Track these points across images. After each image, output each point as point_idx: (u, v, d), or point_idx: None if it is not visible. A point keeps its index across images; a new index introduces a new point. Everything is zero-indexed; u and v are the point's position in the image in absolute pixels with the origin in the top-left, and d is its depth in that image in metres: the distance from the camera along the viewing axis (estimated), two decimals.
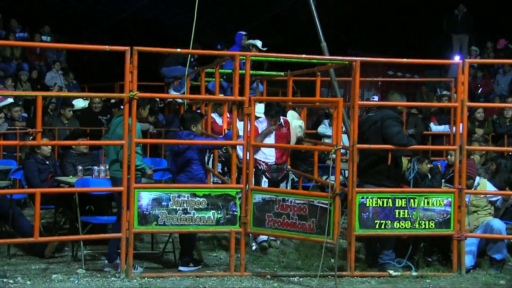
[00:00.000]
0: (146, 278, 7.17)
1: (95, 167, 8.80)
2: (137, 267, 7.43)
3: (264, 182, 8.52)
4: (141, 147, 7.75)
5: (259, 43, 12.19)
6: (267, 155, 8.65)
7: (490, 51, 17.99)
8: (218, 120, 10.23)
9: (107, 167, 8.57)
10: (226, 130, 8.63)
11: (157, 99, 14.24)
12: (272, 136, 8.70)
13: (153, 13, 18.20)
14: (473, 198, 8.11)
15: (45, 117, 12.47)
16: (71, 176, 9.02)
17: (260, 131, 8.59)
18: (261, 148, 8.54)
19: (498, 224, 7.90)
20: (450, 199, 7.67)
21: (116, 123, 7.64)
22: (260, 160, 8.55)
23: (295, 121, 8.98)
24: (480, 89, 17.06)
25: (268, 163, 8.65)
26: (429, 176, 8.80)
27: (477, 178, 8.23)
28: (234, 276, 7.39)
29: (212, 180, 9.53)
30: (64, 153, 10.09)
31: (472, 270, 7.83)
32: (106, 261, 7.58)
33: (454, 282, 7.39)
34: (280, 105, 8.83)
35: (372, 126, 7.77)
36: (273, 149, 8.67)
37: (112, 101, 13.83)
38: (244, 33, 12.83)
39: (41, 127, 7.16)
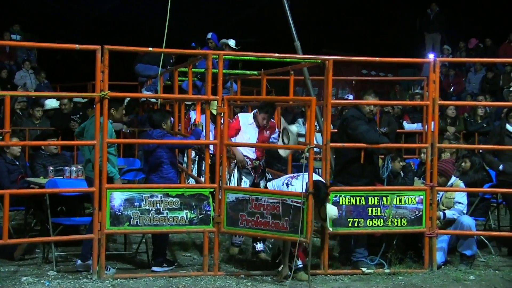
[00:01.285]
0: (118, 279, 7.12)
1: (67, 168, 8.72)
2: (109, 268, 7.38)
3: (245, 182, 8.47)
4: (115, 148, 7.70)
5: (232, 42, 12.18)
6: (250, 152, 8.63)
7: (462, 50, 18.17)
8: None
9: (79, 167, 8.52)
10: (193, 127, 8.60)
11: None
12: (254, 138, 8.65)
13: (127, 12, 18.12)
14: (444, 199, 8.18)
15: (13, 117, 12.35)
16: (41, 177, 8.93)
17: (241, 124, 8.48)
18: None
19: (468, 220, 7.99)
20: (422, 197, 7.74)
21: (90, 123, 7.59)
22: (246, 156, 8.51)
23: (293, 127, 8.67)
24: (452, 87, 17.23)
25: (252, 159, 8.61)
26: (402, 174, 8.87)
27: (453, 178, 8.30)
28: (208, 276, 7.37)
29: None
30: (35, 154, 10.00)
31: (443, 266, 7.91)
32: (79, 261, 7.52)
33: (426, 279, 7.46)
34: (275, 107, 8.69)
35: (340, 125, 7.88)
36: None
37: (84, 100, 13.73)
38: (209, 35, 12.79)
39: (11, 128, 7.08)
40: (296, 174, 7.55)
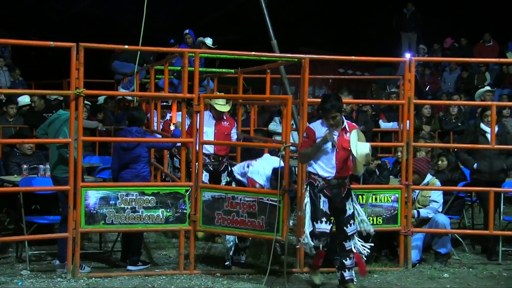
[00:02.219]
0: (93, 278, 7.08)
1: (41, 166, 8.63)
2: (84, 267, 7.33)
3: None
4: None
5: (208, 40, 12.16)
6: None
7: (438, 50, 18.30)
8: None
9: None
10: (173, 127, 8.59)
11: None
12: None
13: (103, 9, 17.98)
14: (420, 197, 8.23)
15: None
16: (15, 175, 8.83)
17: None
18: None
19: (442, 219, 8.06)
20: (397, 195, 7.79)
21: (53, 120, 7.51)
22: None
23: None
24: (428, 86, 17.35)
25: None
26: (377, 173, 8.90)
27: (429, 177, 8.35)
28: (184, 275, 7.36)
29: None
30: (9, 152, 9.89)
31: (418, 264, 7.98)
32: (57, 261, 7.46)
33: (401, 277, 7.51)
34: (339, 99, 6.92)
35: None
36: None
37: (59, 98, 13.59)
38: (186, 31, 12.77)
39: None
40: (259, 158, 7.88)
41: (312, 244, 6.76)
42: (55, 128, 7.45)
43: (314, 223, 6.77)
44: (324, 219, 6.76)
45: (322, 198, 6.77)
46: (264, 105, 14.18)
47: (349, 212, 6.85)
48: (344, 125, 6.86)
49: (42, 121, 11.67)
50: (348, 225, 6.84)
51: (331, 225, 6.84)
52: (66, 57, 7.21)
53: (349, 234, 6.85)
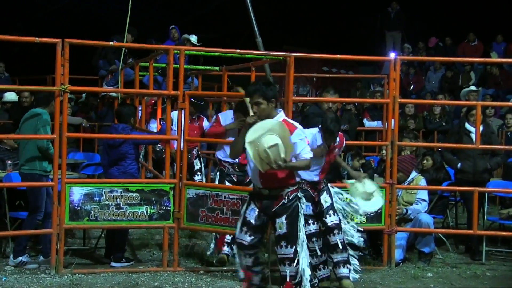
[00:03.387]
0: (77, 274, 7.05)
1: (9, 161, 8.58)
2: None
3: None
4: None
5: (193, 38, 12.13)
6: None
7: (422, 49, 18.38)
8: None
9: None
10: (161, 122, 8.57)
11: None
12: None
13: (87, 6, 17.89)
14: (404, 194, 8.27)
15: None
16: None
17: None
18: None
19: (426, 218, 8.10)
20: (381, 194, 7.79)
21: (30, 117, 7.48)
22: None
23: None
24: (412, 85, 17.43)
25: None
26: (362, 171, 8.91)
27: (413, 173, 8.38)
28: (167, 272, 7.34)
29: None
30: None
31: (401, 264, 8.01)
32: (41, 257, 7.43)
33: (384, 276, 7.54)
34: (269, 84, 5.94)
35: (301, 122, 7.87)
36: None
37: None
38: (172, 26, 12.75)
39: None
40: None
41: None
42: (31, 125, 7.40)
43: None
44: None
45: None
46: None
47: (325, 204, 6.76)
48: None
49: None
50: (327, 216, 6.73)
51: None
52: (50, 53, 7.17)
53: (329, 224, 6.72)
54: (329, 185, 6.98)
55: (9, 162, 8.72)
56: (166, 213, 7.42)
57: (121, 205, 7.26)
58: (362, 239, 7.12)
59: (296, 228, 5.65)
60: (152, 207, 7.37)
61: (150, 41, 13.19)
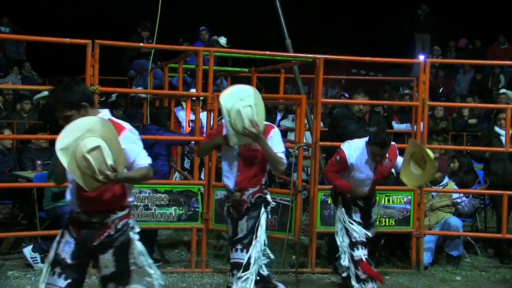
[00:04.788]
0: None
1: (38, 161, 8.68)
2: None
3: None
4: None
5: (222, 39, 12.16)
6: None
7: (452, 50, 18.23)
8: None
9: None
10: (190, 124, 8.60)
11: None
12: None
13: (115, 7, 18.04)
14: (439, 197, 8.21)
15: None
16: (29, 171, 8.87)
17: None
18: None
19: (455, 221, 8.04)
20: (410, 197, 7.77)
21: None
22: None
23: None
24: (441, 88, 17.30)
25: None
26: (395, 174, 8.83)
27: (446, 179, 8.33)
28: (195, 273, 7.37)
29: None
30: (23, 148, 9.92)
31: (430, 267, 7.95)
32: None
33: (413, 279, 7.49)
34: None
35: (330, 124, 7.88)
36: None
37: None
38: (202, 27, 12.79)
39: None
40: None
41: None
42: None
43: None
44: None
45: None
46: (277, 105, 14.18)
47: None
48: None
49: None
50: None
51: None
52: (79, 54, 7.23)
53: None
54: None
55: (39, 162, 8.82)
56: (194, 214, 7.44)
57: (149, 206, 7.30)
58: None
59: (127, 265, 4.28)
60: (181, 208, 7.40)
61: (181, 42, 13.22)
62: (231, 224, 5.55)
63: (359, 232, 6.29)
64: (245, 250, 5.33)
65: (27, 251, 7.36)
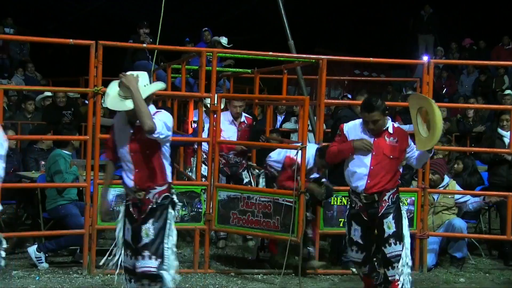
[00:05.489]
0: (109, 275, 7.09)
1: (42, 162, 8.69)
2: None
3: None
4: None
5: (223, 39, 12.14)
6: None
7: (455, 51, 18.20)
8: None
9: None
10: (193, 125, 8.58)
11: None
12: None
13: (118, 8, 18.06)
14: (441, 197, 8.19)
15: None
16: (33, 171, 8.88)
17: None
18: None
19: (459, 223, 8.02)
20: (413, 198, 7.75)
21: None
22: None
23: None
24: (445, 89, 17.26)
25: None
26: None
27: (446, 179, 8.31)
28: (198, 273, 7.37)
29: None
30: (27, 148, 9.93)
31: (433, 268, 7.93)
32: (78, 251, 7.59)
33: (416, 280, 7.43)
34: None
35: (333, 125, 7.87)
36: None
37: (77, 95, 13.65)
38: (205, 28, 12.78)
39: (3, 121, 7.07)
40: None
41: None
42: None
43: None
44: None
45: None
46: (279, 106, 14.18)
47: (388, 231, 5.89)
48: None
49: (61, 117, 11.70)
50: (387, 245, 5.90)
51: None
52: (82, 54, 7.24)
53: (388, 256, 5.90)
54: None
55: (43, 162, 8.81)
56: (197, 215, 7.44)
57: None
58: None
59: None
60: (184, 208, 7.39)
61: (187, 42, 13.21)
62: (130, 225, 5.03)
63: (351, 254, 6.11)
64: (154, 257, 4.88)
65: (32, 250, 7.37)
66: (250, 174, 9.01)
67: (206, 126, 7.92)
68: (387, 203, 5.86)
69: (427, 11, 19.09)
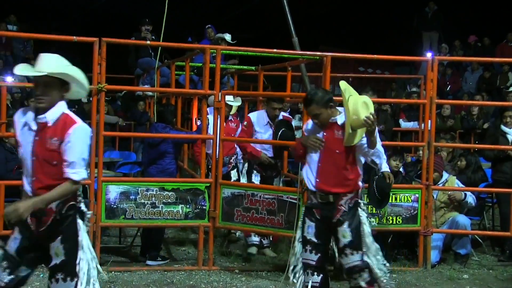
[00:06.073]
0: (113, 272, 7.11)
1: None
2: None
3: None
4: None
5: (227, 36, 12.14)
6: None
7: (459, 48, 18.16)
8: None
9: None
10: (198, 122, 8.60)
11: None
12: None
13: (122, 5, 18.07)
14: (441, 195, 8.18)
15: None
16: None
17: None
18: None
19: (463, 219, 8.01)
20: (417, 195, 7.75)
21: None
22: None
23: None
24: (449, 86, 17.23)
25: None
26: (403, 172, 8.81)
27: (445, 175, 8.29)
28: (202, 270, 7.37)
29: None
30: None
31: (437, 265, 7.93)
32: None
33: (420, 277, 7.48)
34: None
35: None
36: None
37: None
38: (208, 25, 12.79)
39: (6, 119, 7.09)
40: None
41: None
42: None
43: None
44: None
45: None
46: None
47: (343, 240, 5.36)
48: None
49: None
50: (343, 255, 5.38)
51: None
52: (86, 52, 7.24)
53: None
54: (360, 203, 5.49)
55: None
56: (201, 212, 7.45)
57: (156, 204, 7.30)
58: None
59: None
60: (188, 206, 7.40)
61: (190, 41, 13.22)
62: (27, 239, 4.39)
63: (303, 254, 5.46)
64: (69, 278, 4.27)
65: None
66: (238, 173, 8.99)
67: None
68: (343, 209, 5.30)
69: (431, 8, 19.05)
